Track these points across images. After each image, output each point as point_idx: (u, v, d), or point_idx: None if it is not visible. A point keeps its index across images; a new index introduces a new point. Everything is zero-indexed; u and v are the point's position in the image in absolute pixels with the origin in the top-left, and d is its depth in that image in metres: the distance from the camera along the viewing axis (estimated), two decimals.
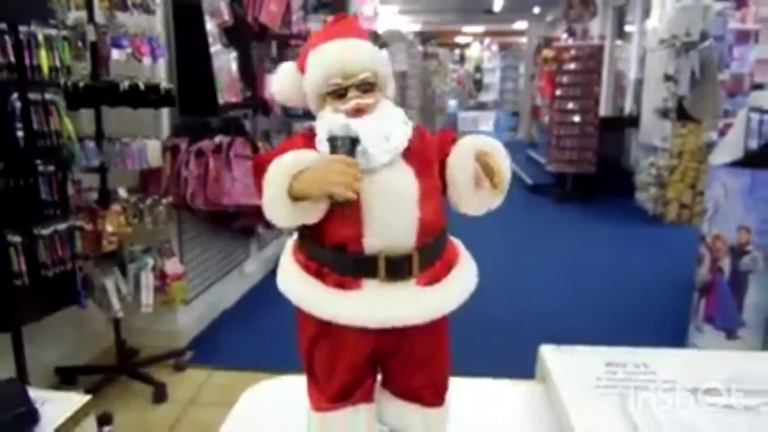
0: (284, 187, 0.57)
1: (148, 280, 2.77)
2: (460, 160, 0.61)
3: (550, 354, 0.82)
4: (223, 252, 3.75)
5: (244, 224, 3.68)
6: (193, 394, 2.84)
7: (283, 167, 0.58)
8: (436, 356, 0.66)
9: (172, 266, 2.89)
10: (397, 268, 0.59)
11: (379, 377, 0.69)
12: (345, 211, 0.57)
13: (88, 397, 0.84)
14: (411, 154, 0.61)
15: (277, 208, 0.58)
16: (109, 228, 2.53)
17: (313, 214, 0.58)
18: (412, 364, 0.65)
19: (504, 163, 0.61)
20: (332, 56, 0.61)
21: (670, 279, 4.11)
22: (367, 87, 0.61)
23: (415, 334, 0.62)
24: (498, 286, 4.27)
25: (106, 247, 2.55)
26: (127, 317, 2.82)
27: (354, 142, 0.57)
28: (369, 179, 0.58)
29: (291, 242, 0.66)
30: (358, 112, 0.60)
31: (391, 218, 0.59)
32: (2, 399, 0.76)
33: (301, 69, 0.65)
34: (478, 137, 0.62)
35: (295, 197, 0.57)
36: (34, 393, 0.82)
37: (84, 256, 2.46)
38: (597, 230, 6.06)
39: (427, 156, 0.62)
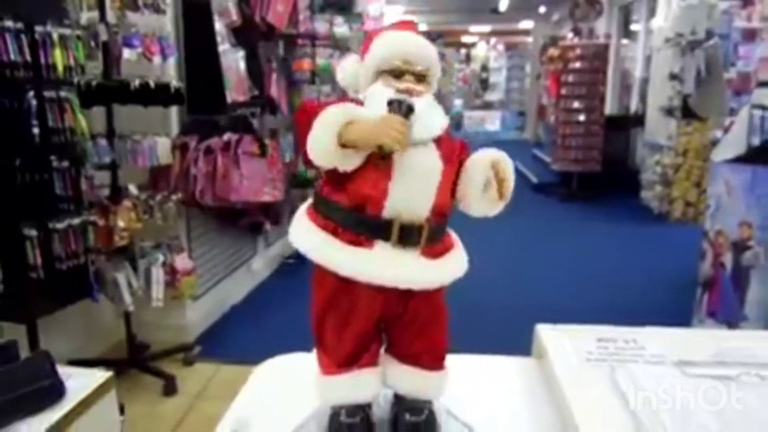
0: (337, 126, 0.64)
1: (158, 275, 2.82)
2: (477, 164, 0.69)
3: (545, 332, 0.87)
4: (231, 249, 3.80)
5: (252, 221, 3.74)
6: (201, 387, 2.89)
7: (341, 111, 0.65)
8: (434, 324, 0.72)
9: (181, 262, 2.94)
10: (408, 235, 0.66)
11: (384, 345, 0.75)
12: (381, 166, 0.65)
13: (110, 374, 0.89)
14: (442, 144, 0.69)
15: (323, 144, 0.64)
16: (121, 223, 2.59)
17: (351, 161, 0.65)
18: (413, 329, 0.71)
19: (511, 177, 0.69)
20: (399, 41, 0.70)
21: (675, 276, 4.13)
22: (421, 77, 0.70)
23: (416, 301, 0.69)
24: (503, 282, 4.31)
25: (117, 242, 2.60)
26: (137, 312, 2.87)
27: (411, 108, 0.65)
28: (400, 153, 0.64)
29: (304, 207, 0.72)
30: (409, 93, 0.68)
31: (415, 190, 0.66)
32: (33, 370, 0.80)
33: (361, 56, 0.73)
34: (496, 152, 0.70)
35: (342, 143, 0.64)
36: (60, 369, 0.87)
37: (96, 250, 2.51)
38: (602, 228, 6.08)
39: (449, 150, 0.69)
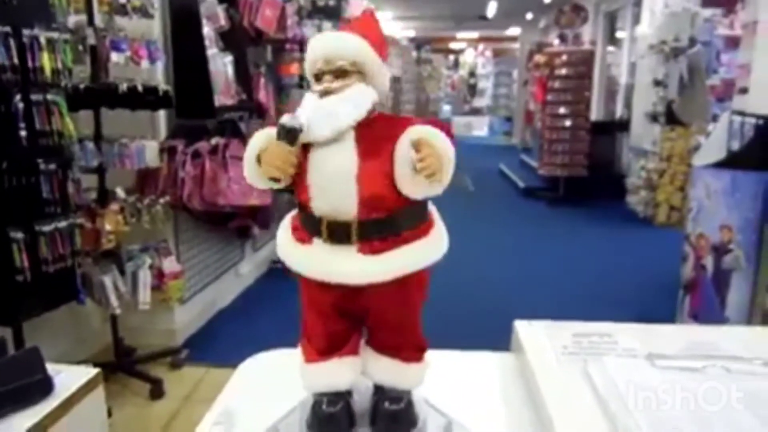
0: (254, 153, 0.69)
1: (145, 278, 2.83)
2: (399, 145, 0.67)
3: (523, 328, 0.90)
4: (219, 252, 3.81)
5: (240, 224, 3.75)
6: (189, 390, 2.90)
7: (257, 137, 0.70)
8: (406, 318, 0.73)
9: (169, 265, 2.95)
10: (335, 233, 0.67)
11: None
12: (302, 170, 0.68)
13: (97, 370, 0.90)
14: (362, 135, 0.68)
15: (248, 170, 0.70)
16: (108, 227, 2.59)
17: (272, 182, 0.69)
18: (385, 323, 0.73)
19: (438, 154, 0.65)
20: (318, 44, 0.71)
21: (659, 279, 4.19)
22: (341, 73, 0.69)
23: (372, 296, 0.69)
24: (489, 283, 4.35)
25: (104, 245, 2.61)
26: (124, 315, 2.87)
27: (292, 131, 0.66)
28: (314, 152, 0.67)
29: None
30: (325, 93, 0.69)
31: (328, 188, 0.67)
32: (22, 366, 0.82)
33: None
34: (422, 128, 0.67)
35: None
36: (49, 366, 0.89)
37: (83, 253, 2.51)
38: (588, 232, 6.15)
39: (378, 138, 0.68)
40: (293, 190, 0.70)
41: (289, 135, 0.65)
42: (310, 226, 0.69)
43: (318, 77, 0.70)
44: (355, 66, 0.69)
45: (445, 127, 0.69)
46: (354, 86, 0.69)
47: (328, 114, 0.67)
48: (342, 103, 0.67)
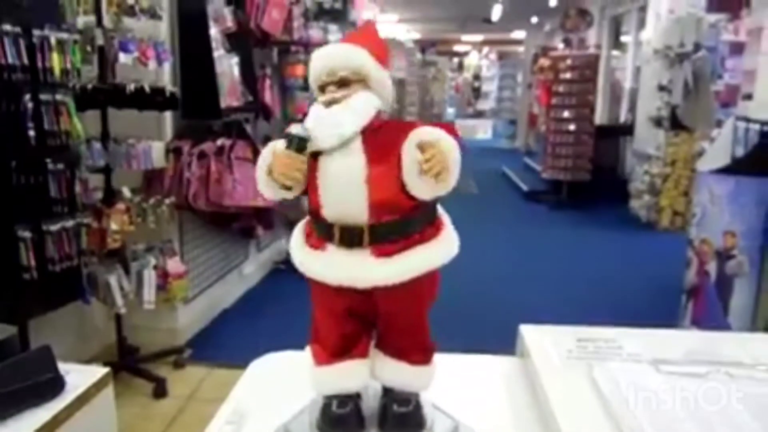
0: (266, 163, 0.70)
1: (150, 277, 2.84)
2: (405, 147, 0.68)
3: (528, 332, 0.91)
4: (223, 253, 3.82)
5: (244, 225, 3.76)
6: (192, 390, 2.91)
7: (267, 148, 0.72)
8: (415, 320, 0.74)
9: (173, 265, 2.96)
10: (347, 238, 0.69)
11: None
12: (312, 177, 0.69)
13: (107, 369, 0.92)
14: (368, 141, 0.69)
15: (260, 181, 0.72)
16: (114, 226, 2.61)
17: (288, 192, 0.71)
18: (395, 326, 0.74)
19: (443, 155, 0.66)
20: (321, 57, 0.73)
21: (661, 284, 4.18)
22: (344, 83, 0.71)
23: (383, 299, 0.71)
24: (493, 287, 4.36)
25: (110, 245, 2.62)
26: (128, 315, 2.88)
27: (301, 140, 0.68)
28: (324, 160, 0.69)
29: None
30: (330, 103, 0.71)
31: (339, 194, 0.69)
32: (34, 364, 0.83)
33: None
34: (427, 129, 0.69)
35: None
36: (59, 364, 0.90)
37: (89, 253, 2.53)
38: (591, 236, 6.15)
39: (386, 143, 0.69)
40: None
41: (298, 144, 0.68)
42: (323, 232, 0.71)
43: (322, 88, 0.72)
44: (356, 75, 0.71)
45: (450, 128, 0.71)
46: (357, 95, 0.71)
47: (333, 123, 0.69)
48: (346, 112, 0.69)
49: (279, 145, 0.70)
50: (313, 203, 0.70)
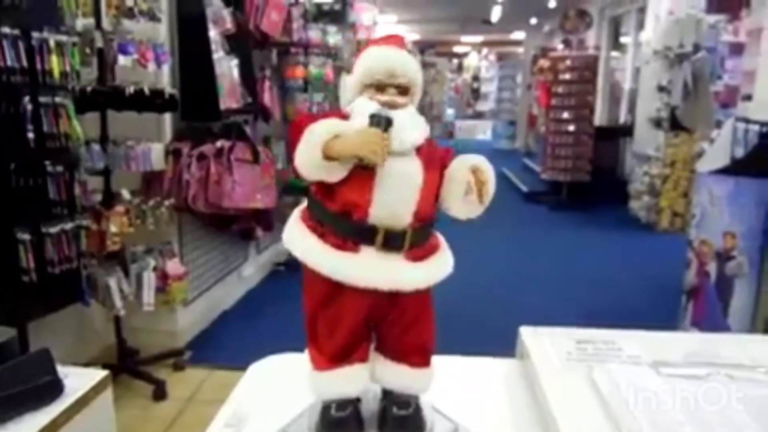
0: (323, 140, 0.68)
1: (149, 279, 2.84)
2: (458, 169, 0.73)
3: (528, 334, 0.91)
4: (223, 255, 3.82)
5: (243, 227, 3.76)
6: (192, 392, 2.90)
7: (327, 125, 0.69)
8: (420, 323, 0.75)
9: (173, 267, 2.96)
10: (392, 240, 0.70)
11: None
12: (364, 175, 0.69)
13: (106, 372, 0.92)
14: (422, 152, 0.72)
15: (309, 158, 0.69)
16: (113, 228, 2.60)
17: (335, 173, 0.69)
18: (399, 328, 0.74)
19: (491, 181, 0.73)
20: (382, 56, 0.74)
21: (661, 285, 4.19)
22: (403, 90, 0.73)
23: (403, 302, 0.72)
24: (493, 288, 4.35)
25: (109, 247, 2.62)
26: (128, 317, 2.88)
27: (389, 122, 0.68)
28: (388, 160, 0.69)
29: (298, 210, 0.75)
30: (391, 106, 0.72)
31: (397, 197, 0.70)
32: (33, 367, 0.83)
33: (351, 71, 0.78)
34: (477, 157, 0.75)
35: (327, 156, 0.68)
36: (58, 367, 0.90)
37: (89, 255, 2.53)
38: (590, 237, 6.15)
39: (433, 158, 0.73)
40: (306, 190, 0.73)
41: (386, 124, 0.68)
42: (358, 234, 0.70)
43: (378, 87, 0.73)
44: (411, 84, 0.74)
45: (452, 150, 0.76)
46: (411, 106, 0.74)
47: (409, 128, 0.71)
48: (415, 121, 0.73)
49: (334, 122, 0.70)
50: (354, 202, 0.69)
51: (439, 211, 0.75)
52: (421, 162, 0.71)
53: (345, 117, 0.72)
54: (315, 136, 0.68)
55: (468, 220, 0.76)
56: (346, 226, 0.70)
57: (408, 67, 0.73)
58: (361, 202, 0.69)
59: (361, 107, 0.72)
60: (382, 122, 0.68)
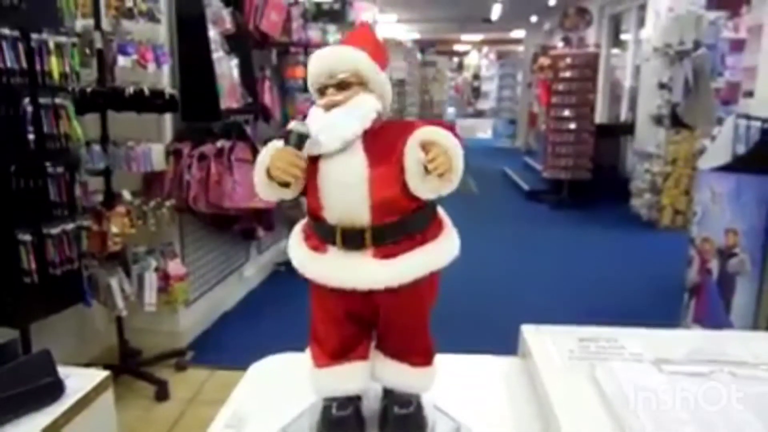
0: (265, 163, 0.70)
1: (151, 280, 2.84)
2: (408, 147, 0.68)
3: (530, 332, 0.90)
4: (224, 255, 3.82)
5: (244, 227, 3.76)
6: (194, 392, 2.90)
7: (269, 148, 0.71)
8: (415, 322, 0.74)
9: (174, 267, 2.96)
10: (350, 240, 0.69)
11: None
12: (313, 179, 0.69)
13: (107, 373, 0.91)
14: (369, 143, 0.69)
15: (258, 180, 0.71)
16: (114, 229, 2.61)
17: (287, 192, 0.70)
18: (395, 327, 0.74)
19: (451, 153, 0.66)
20: (319, 60, 0.73)
21: (663, 282, 4.18)
22: (343, 85, 0.71)
23: (384, 300, 0.70)
24: (494, 286, 4.35)
25: (110, 247, 2.62)
26: (129, 318, 2.88)
27: (301, 137, 0.68)
28: (325, 162, 0.69)
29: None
30: (330, 106, 0.70)
31: (341, 196, 0.69)
32: (34, 368, 0.83)
33: None
34: (429, 128, 0.69)
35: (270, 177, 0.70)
36: (59, 368, 0.90)
37: (90, 256, 2.53)
38: (592, 235, 6.14)
39: (386, 144, 0.69)
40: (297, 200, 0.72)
41: (296, 140, 0.67)
42: (324, 234, 0.71)
43: (322, 91, 0.72)
44: (356, 77, 0.71)
45: (449, 127, 0.71)
46: (357, 97, 0.71)
47: (334, 126, 0.69)
48: (347, 115, 0.69)
49: (277, 144, 0.70)
50: (313, 206, 0.70)
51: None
52: (366, 154, 0.68)
53: None
54: (260, 158, 0.70)
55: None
56: (317, 228, 0.72)
57: (345, 60, 0.71)
58: (316, 205, 0.70)
59: (310, 115, 0.72)
60: (292, 139, 0.67)
